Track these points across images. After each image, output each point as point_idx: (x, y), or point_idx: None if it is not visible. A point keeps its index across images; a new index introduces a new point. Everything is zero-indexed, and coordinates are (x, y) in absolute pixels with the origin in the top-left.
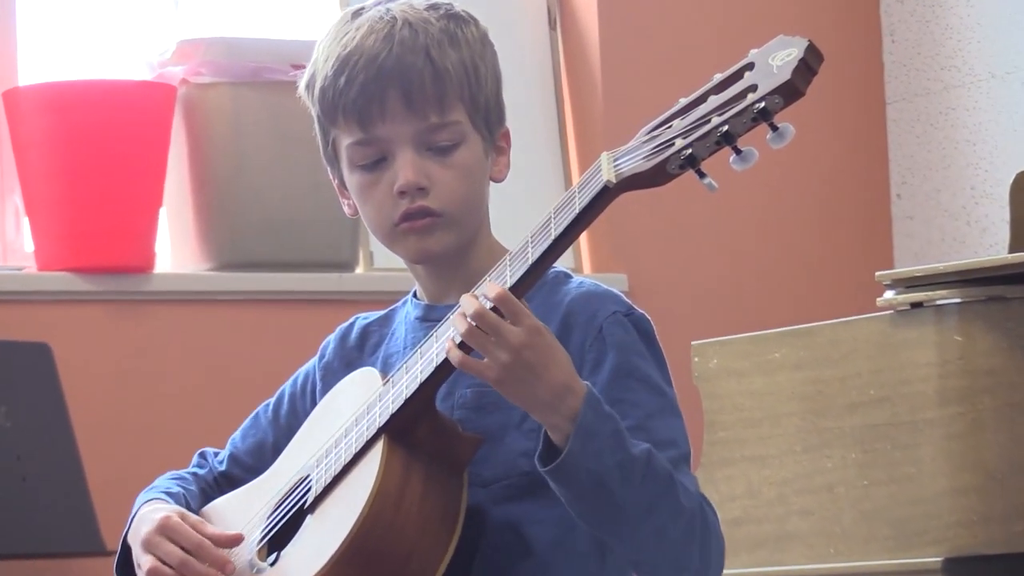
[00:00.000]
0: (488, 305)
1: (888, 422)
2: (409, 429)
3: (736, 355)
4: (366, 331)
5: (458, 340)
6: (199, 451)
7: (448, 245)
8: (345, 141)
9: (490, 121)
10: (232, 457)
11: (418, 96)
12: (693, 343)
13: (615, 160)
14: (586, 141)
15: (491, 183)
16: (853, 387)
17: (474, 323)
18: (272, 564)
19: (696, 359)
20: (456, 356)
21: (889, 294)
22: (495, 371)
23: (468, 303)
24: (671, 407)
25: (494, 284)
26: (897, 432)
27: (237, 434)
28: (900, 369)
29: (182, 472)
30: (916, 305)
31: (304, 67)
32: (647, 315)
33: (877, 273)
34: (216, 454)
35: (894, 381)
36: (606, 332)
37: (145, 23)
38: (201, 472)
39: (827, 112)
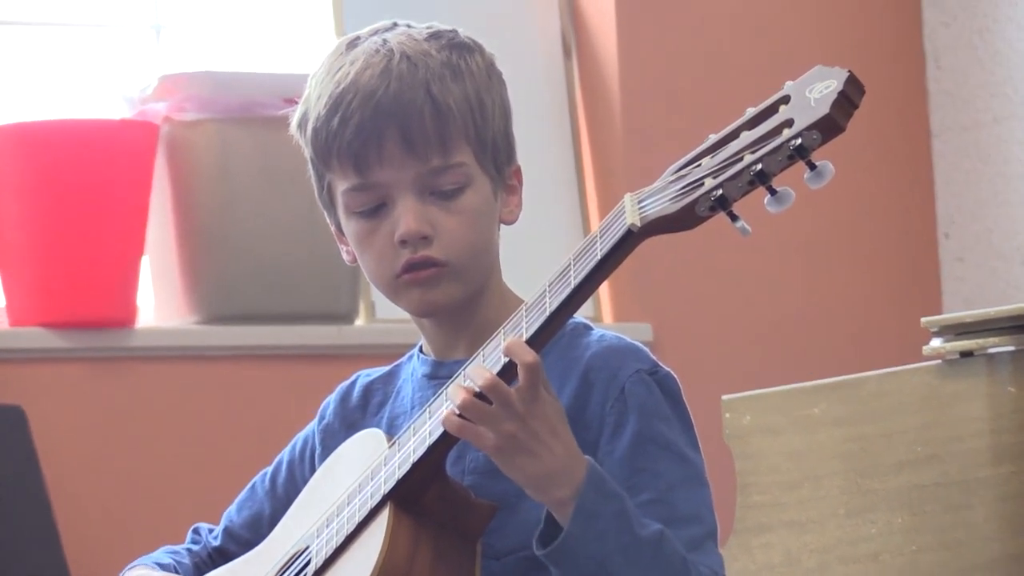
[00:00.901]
0: (502, 362)
1: (937, 482)
2: (417, 496)
3: (771, 411)
4: (369, 389)
5: (455, 409)
6: (193, 527)
7: (455, 297)
8: (341, 186)
9: (498, 159)
10: (227, 531)
11: (419, 137)
12: (724, 398)
13: (639, 202)
14: (605, 179)
15: (502, 226)
16: (899, 444)
17: (478, 392)
18: None
19: (727, 415)
20: (454, 423)
21: (937, 342)
22: (495, 440)
23: (476, 373)
24: (697, 477)
25: (522, 343)
26: (947, 493)
27: (233, 507)
28: (950, 424)
29: (176, 547)
30: (966, 354)
31: (297, 101)
32: (673, 373)
33: (924, 319)
34: (211, 530)
35: (943, 437)
36: (628, 393)
37: (124, 57)
38: (195, 548)
39: (868, 146)
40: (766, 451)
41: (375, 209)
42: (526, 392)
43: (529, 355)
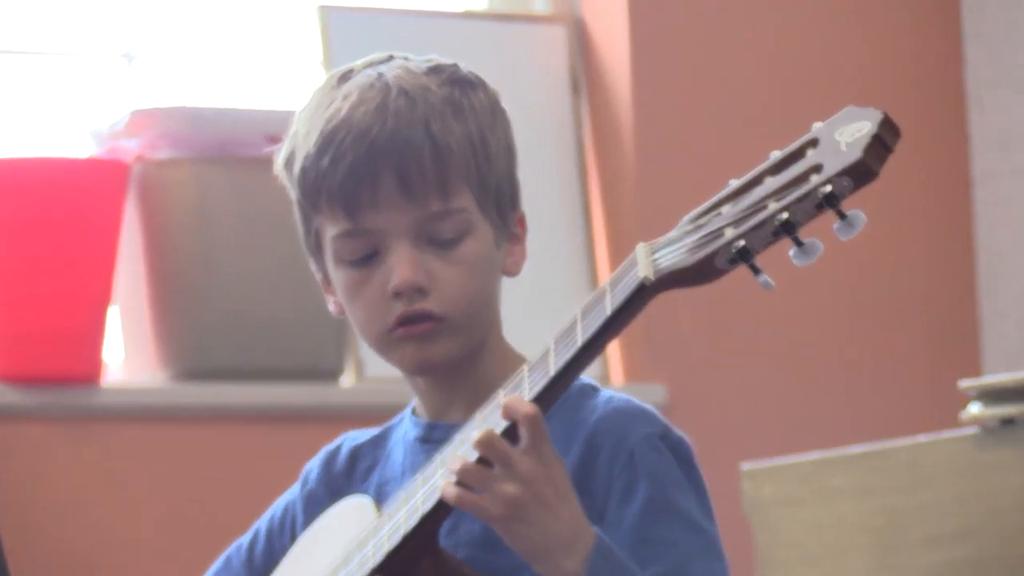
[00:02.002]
0: (502, 425)
1: (973, 559)
2: (408, 570)
3: (794, 481)
4: (356, 453)
5: (452, 478)
6: None
7: (452, 353)
8: (330, 231)
9: (502, 205)
10: None
11: (417, 179)
12: (743, 467)
13: (654, 253)
14: (616, 227)
15: (504, 278)
16: (932, 518)
17: (478, 452)
18: None
19: (746, 486)
20: (452, 492)
21: (975, 408)
22: (500, 507)
23: (474, 435)
24: (713, 548)
25: (519, 397)
26: (984, 571)
27: None
28: (988, 496)
29: None
30: (1008, 421)
31: (281, 139)
32: (686, 438)
33: (961, 383)
34: None
35: (981, 511)
36: (638, 458)
37: (92, 89)
38: None
39: (903, 194)
40: (788, 524)
41: (367, 257)
42: (530, 450)
43: (526, 407)
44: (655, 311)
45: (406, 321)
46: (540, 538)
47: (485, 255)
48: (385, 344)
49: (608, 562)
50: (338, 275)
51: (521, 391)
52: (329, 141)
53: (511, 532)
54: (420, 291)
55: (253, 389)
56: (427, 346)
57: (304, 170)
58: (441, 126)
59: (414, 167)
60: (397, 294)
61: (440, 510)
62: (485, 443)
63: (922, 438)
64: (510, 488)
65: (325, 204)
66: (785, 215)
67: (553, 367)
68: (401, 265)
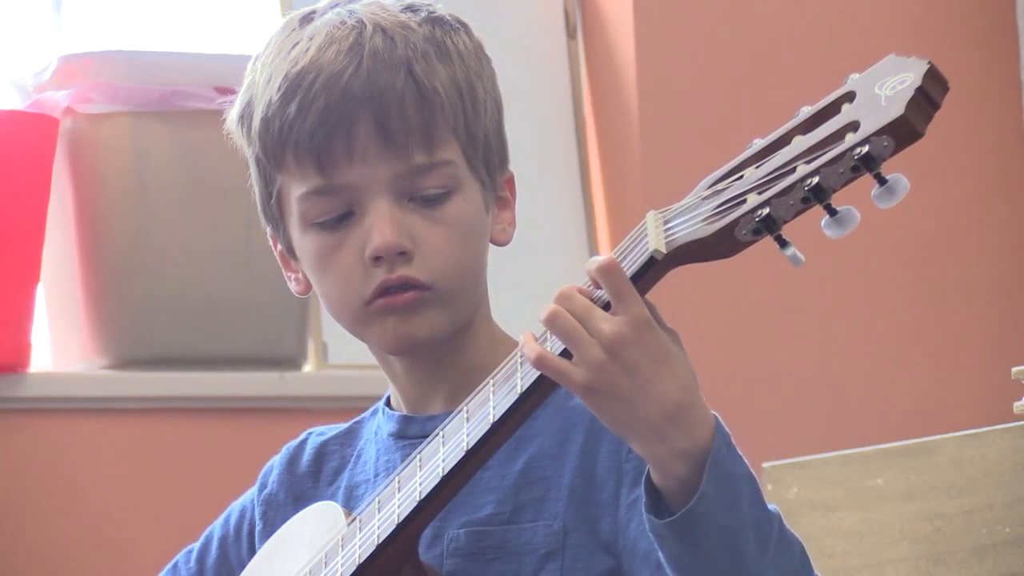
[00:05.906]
0: (492, 418)
1: None
2: None
3: (824, 481)
4: (322, 452)
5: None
6: None
7: (438, 329)
8: (297, 190)
9: (490, 162)
10: None
11: (398, 127)
12: (765, 465)
13: (666, 222)
14: (618, 192)
15: (491, 250)
16: (982, 523)
17: (562, 305)
18: None
19: (769, 487)
20: (533, 350)
21: None
22: (583, 374)
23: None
24: None
25: (595, 258)
26: None
27: None
28: None
29: None
30: None
31: (233, 91)
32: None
33: (1015, 369)
34: None
35: None
36: None
37: (14, 33)
38: None
39: (952, 156)
40: (817, 531)
41: (340, 218)
42: (616, 309)
43: (599, 260)
44: (666, 289)
45: (387, 291)
46: (628, 416)
47: (474, 217)
48: (362, 319)
49: (730, 450)
50: (306, 242)
51: (512, 381)
52: (296, 85)
53: (595, 405)
54: (402, 255)
55: (201, 378)
56: (410, 319)
57: (266, 120)
58: (425, 68)
59: (395, 114)
60: (376, 259)
61: (421, 515)
62: (565, 295)
63: (971, 432)
64: (592, 352)
65: (291, 158)
66: (816, 179)
67: (553, 352)
68: (380, 225)
